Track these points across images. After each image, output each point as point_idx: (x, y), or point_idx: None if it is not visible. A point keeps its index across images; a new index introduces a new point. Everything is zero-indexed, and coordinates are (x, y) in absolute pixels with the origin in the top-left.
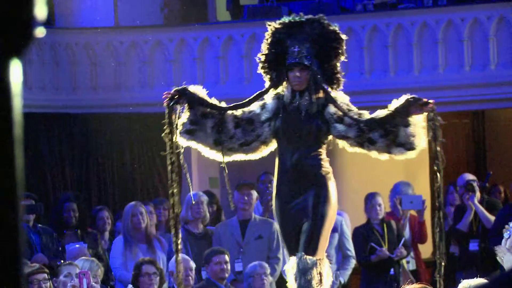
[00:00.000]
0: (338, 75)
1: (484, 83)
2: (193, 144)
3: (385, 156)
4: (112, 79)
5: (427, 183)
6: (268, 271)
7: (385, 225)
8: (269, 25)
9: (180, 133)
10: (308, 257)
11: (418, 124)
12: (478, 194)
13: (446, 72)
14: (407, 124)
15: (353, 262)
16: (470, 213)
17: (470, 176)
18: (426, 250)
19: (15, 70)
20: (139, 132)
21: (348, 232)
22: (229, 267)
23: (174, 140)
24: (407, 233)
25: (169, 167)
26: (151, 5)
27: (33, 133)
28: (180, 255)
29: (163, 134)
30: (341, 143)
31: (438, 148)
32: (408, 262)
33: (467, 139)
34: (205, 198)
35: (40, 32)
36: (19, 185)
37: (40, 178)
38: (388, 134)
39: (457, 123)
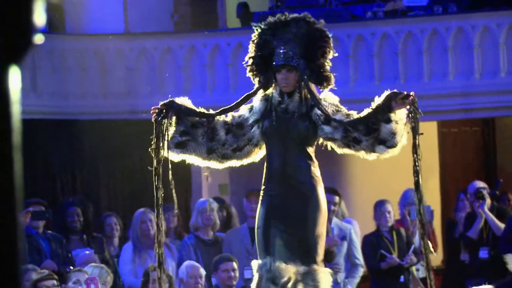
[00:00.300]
0: (327, 74)
1: (494, 90)
2: (186, 157)
3: (372, 156)
4: (122, 86)
5: (437, 190)
6: None
7: (394, 232)
8: (255, 27)
9: (170, 148)
10: (280, 264)
11: (400, 121)
12: (488, 201)
13: (456, 79)
14: (388, 120)
15: (361, 271)
16: (480, 221)
17: (480, 184)
18: (436, 257)
19: (14, 76)
20: (148, 138)
21: (357, 241)
22: (237, 274)
23: (161, 155)
24: (416, 240)
25: (155, 183)
26: (161, 12)
27: (42, 140)
28: (164, 268)
29: (150, 149)
30: (330, 145)
31: (417, 142)
32: (417, 270)
33: (477, 146)
34: (215, 205)
35: (38, 38)
36: (18, 190)
37: (50, 184)
38: (371, 132)
39: (467, 131)
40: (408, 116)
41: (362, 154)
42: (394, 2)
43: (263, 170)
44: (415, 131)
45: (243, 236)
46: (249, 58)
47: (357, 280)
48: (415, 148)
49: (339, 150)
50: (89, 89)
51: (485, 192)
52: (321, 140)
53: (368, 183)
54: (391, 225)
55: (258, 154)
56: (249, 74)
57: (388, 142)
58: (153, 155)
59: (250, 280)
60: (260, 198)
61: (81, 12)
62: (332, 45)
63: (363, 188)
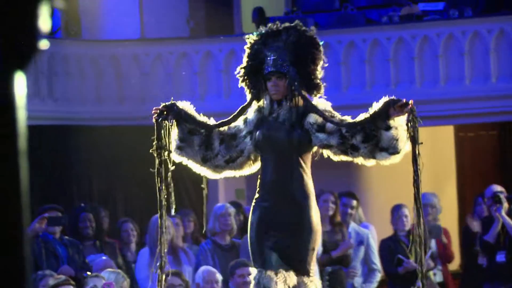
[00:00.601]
0: (317, 81)
1: (511, 94)
2: (184, 160)
3: (371, 163)
4: (137, 91)
5: (454, 194)
6: None
7: (411, 236)
8: (247, 38)
9: (174, 149)
10: (269, 272)
11: (400, 127)
12: (505, 205)
13: (473, 84)
14: (388, 127)
15: (378, 276)
16: (497, 225)
17: (497, 188)
18: (453, 261)
19: (19, 82)
20: None
21: (374, 245)
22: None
23: (163, 156)
24: (433, 245)
25: (158, 185)
26: (177, 17)
27: (59, 145)
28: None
29: (151, 150)
30: (326, 153)
31: (417, 151)
32: (435, 274)
33: (494, 150)
34: (232, 210)
35: (44, 44)
36: (24, 196)
37: (67, 190)
38: (370, 139)
39: (484, 135)
40: (407, 124)
41: (360, 160)
42: (410, 7)
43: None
44: (415, 140)
45: None
46: (241, 68)
47: (374, 285)
48: (415, 158)
49: (336, 158)
50: (104, 95)
51: (502, 196)
52: (315, 149)
53: (385, 187)
54: (408, 230)
55: (253, 166)
56: (241, 84)
57: (391, 149)
58: (155, 156)
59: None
60: (252, 207)
61: (97, 17)
62: (322, 52)
63: (380, 192)
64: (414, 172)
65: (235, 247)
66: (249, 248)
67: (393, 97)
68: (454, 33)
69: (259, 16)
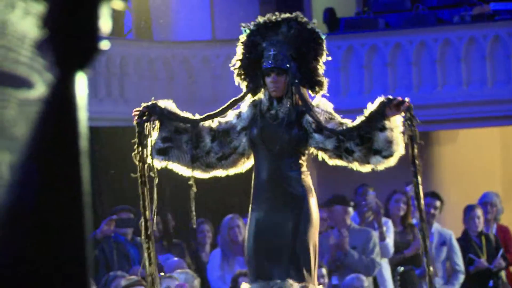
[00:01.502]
0: (319, 78)
1: None
2: (169, 165)
3: (367, 168)
4: (208, 93)
5: None
6: (366, 283)
7: (483, 237)
8: (244, 27)
9: (152, 154)
10: (292, 283)
11: (396, 128)
12: None
13: None
14: (383, 128)
15: (461, 277)
16: None
17: None
18: None
19: (81, 83)
20: None
21: (457, 246)
22: (325, 280)
23: (145, 161)
24: None
25: (140, 191)
26: (248, 19)
27: (131, 147)
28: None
29: (133, 154)
30: (321, 156)
31: (416, 151)
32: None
33: None
34: None
35: (105, 45)
36: (86, 197)
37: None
38: (365, 142)
39: None
40: (404, 124)
41: (355, 166)
42: (481, 6)
43: (348, 176)
44: (413, 140)
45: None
46: (237, 60)
47: (457, 287)
48: (413, 159)
49: (331, 162)
50: (176, 96)
51: None
52: (312, 150)
53: (456, 187)
54: (480, 230)
55: (245, 164)
56: (236, 78)
57: (384, 151)
58: (136, 162)
59: (337, 286)
60: (249, 211)
61: (168, 19)
62: (325, 47)
63: (451, 192)
64: (413, 173)
65: None
66: (246, 258)
67: (389, 96)
68: None
69: (330, 17)
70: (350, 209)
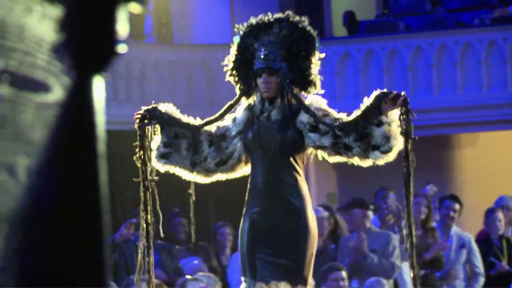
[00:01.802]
0: (312, 77)
1: None
2: (171, 169)
3: (367, 163)
4: (229, 96)
5: None
6: (386, 287)
7: (504, 240)
8: (237, 29)
9: (155, 157)
10: (260, 285)
11: (393, 123)
12: None
13: None
14: (380, 123)
15: (481, 280)
16: None
17: None
18: None
19: (98, 86)
20: None
21: (477, 249)
22: (346, 283)
23: (147, 165)
24: None
25: (142, 195)
26: None
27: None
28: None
29: (134, 158)
30: (320, 154)
31: (409, 146)
32: None
33: None
34: (325, 214)
35: (122, 48)
36: (104, 200)
37: (158, 194)
38: (363, 137)
39: None
40: (399, 118)
41: (356, 161)
42: (502, 9)
43: (369, 180)
44: (407, 135)
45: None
46: (230, 62)
47: None
48: (406, 153)
49: (330, 159)
50: (196, 100)
51: None
52: (310, 150)
53: (478, 190)
54: (501, 233)
55: (244, 168)
56: (229, 79)
57: (382, 147)
58: (139, 165)
59: None
60: (243, 215)
61: (188, 22)
62: (317, 45)
63: (473, 195)
64: (405, 168)
65: (326, 251)
66: (240, 258)
67: (384, 89)
68: None
69: (350, 20)
70: (370, 213)
